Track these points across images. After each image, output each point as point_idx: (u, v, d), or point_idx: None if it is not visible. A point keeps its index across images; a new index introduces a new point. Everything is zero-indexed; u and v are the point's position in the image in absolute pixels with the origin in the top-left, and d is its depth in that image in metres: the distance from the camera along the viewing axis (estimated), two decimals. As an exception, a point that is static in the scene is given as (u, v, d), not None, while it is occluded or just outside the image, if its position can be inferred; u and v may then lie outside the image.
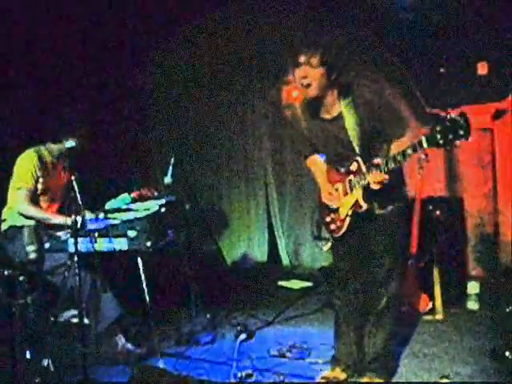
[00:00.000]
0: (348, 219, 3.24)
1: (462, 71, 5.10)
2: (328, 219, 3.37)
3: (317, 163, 3.47)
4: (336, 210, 3.30)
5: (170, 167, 4.47)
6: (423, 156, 4.54)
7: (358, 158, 3.13)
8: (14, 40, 5.09)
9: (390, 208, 3.25)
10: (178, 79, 6.41)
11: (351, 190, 3.18)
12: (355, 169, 3.14)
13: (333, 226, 3.34)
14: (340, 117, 3.15)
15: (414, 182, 4.57)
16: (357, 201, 3.16)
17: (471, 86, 5.10)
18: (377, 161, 3.01)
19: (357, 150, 3.14)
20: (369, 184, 3.06)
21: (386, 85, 3.30)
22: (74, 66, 5.50)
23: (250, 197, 6.50)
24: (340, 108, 3.15)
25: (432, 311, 4.50)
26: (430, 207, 4.81)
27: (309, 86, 3.05)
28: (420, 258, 4.54)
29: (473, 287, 4.67)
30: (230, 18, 6.05)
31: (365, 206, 3.15)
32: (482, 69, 5.07)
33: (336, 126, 3.17)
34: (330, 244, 3.41)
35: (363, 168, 3.09)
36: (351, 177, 3.17)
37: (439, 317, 4.48)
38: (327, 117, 3.21)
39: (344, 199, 3.24)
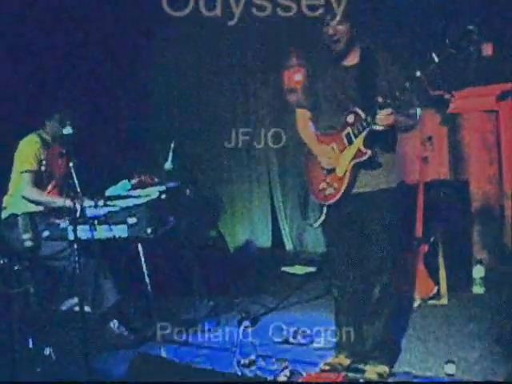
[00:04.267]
0: (348, 175, 3.20)
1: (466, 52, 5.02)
2: (322, 185, 3.30)
3: (308, 127, 3.44)
4: (332, 171, 3.26)
5: (171, 153, 4.43)
6: (427, 139, 4.51)
7: (356, 109, 3.14)
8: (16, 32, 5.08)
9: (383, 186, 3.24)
10: (179, 66, 6.35)
11: (350, 142, 3.18)
12: (352, 120, 3.15)
13: (329, 191, 3.27)
14: (355, 66, 3.25)
15: (419, 165, 4.53)
16: (358, 150, 3.16)
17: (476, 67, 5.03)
18: (380, 99, 3.03)
19: (359, 100, 3.17)
20: (374, 126, 3.06)
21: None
22: (73, 55, 5.48)
23: (253, 182, 6.45)
24: (358, 60, 3.25)
25: (437, 296, 4.46)
26: (435, 190, 4.76)
27: (338, 41, 3.19)
28: (424, 242, 4.50)
29: (478, 271, 4.62)
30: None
31: (368, 152, 3.14)
32: (487, 50, 4.99)
33: (348, 73, 3.25)
34: (322, 218, 3.34)
35: (363, 115, 3.10)
36: (348, 130, 3.18)
37: (444, 301, 4.44)
38: (342, 63, 3.27)
39: (341, 156, 3.22)
